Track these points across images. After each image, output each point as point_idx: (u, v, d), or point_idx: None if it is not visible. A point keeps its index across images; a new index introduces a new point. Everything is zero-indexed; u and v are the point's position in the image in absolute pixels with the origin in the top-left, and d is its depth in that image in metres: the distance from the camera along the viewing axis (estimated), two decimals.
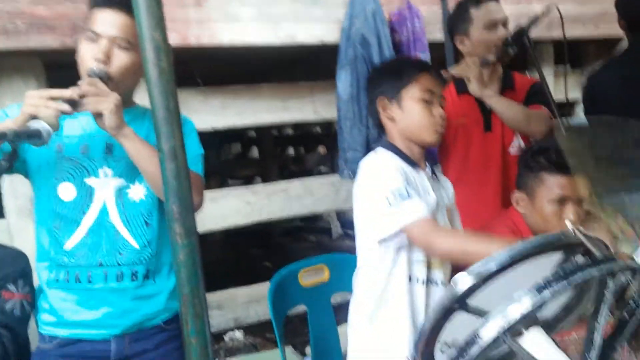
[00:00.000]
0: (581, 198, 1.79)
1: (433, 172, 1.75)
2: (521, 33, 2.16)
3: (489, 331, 0.72)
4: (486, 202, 2.28)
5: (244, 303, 3.24)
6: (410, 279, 1.65)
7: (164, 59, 1.29)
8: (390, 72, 1.71)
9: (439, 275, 1.68)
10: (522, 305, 0.71)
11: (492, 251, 1.27)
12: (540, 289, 0.71)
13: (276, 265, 2.29)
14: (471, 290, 0.79)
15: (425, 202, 1.59)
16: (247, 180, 7.33)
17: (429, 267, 1.66)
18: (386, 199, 1.53)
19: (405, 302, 1.64)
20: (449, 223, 1.75)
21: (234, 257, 5.49)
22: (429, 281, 1.67)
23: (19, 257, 1.94)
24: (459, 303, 0.80)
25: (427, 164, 1.74)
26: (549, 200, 1.80)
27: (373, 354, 1.72)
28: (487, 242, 1.41)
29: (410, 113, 1.66)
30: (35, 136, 1.24)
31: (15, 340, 1.79)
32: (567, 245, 0.83)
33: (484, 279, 0.78)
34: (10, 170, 1.25)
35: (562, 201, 1.79)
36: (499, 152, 2.32)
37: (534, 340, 0.79)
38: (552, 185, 1.80)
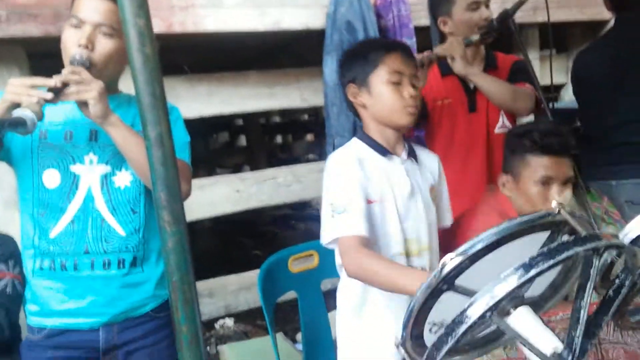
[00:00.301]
0: (566, 178, 1.81)
1: (411, 155, 1.72)
2: (506, 16, 2.16)
3: (476, 310, 0.72)
4: (471, 183, 2.29)
5: (234, 291, 3.25)
6: None
7: (148, 45, 1.28)
8: (357, 58, 1.67)
9: (419, 262, 1.67)
10: (508, 284, 0.71)
11: (402, 280, 1.34)
12: (526, 267, 0.72)
13: (265, 253, 2.29)
14: (458, 270, 0.79)
15: (380, 199, 1.60)
16: (236, 169, 7.31)
17: (407, 256, 1.65)
18: (330, 205, 1.56)
19: (386, 293, 1.63)
20: (430, 203, 1.72)
21: (223, 245, 5.49)
22: None
23: (7, 240, 1.97)
24: (447, 283, 0.81)
25: (406, 146, 1.72)
26: (533, 182, 1.81)
27: (360, 343, 1.73)
28: (402, 270, 1.42)
29: (380, 97, 1.63)
30: (19, 125, 1.23)
31: (8, 317, 1.81)
32: (552, 224, 0.83)
33: (471, 259, 0.79)
34: None
35: (546, 182, 1.80)
36: (484, 133, 2.33)
37: (521, 318, 0.80)
38: (536, 166, 1.81)
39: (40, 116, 1.33)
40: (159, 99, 1.33)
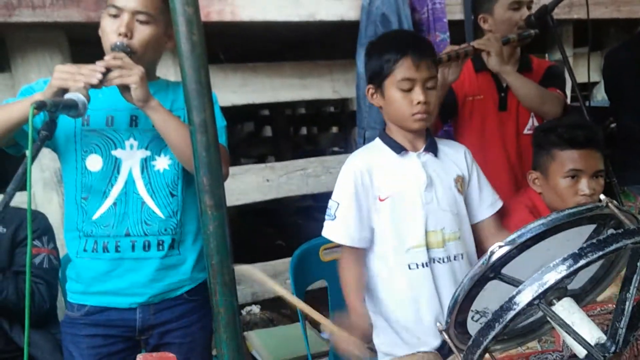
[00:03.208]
0: (595, 172, 1.80)
1: (429, 150, 1.73)
2: (545, 12, 2.16)
3: (525, 297, 0.74)
4: (501, 181, 2.29)
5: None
6: (409, 267, 1.67)
7: (196, 33, 1.31)
8: (374, 59, 1.70)
9: (442, 253, 1.68)
10: (558, 273, 0.73)
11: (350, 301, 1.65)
12: (575, 257, 0.73)
13: (288, 244, 2.32)
14: (505, 259, 0.81)
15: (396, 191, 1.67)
16: (260, 159, 7.33)
17: (428, 248, 1.67)
18: (329, 207, 1.72)
19: (404, 287, 1.68)
20: (456, 193, 1.72)
21: (246, 235, 5.54)
22: (433, 262, 1.68)
23: (39, 216, 2.04)
24: (494, 271, 0.83)
25: (427, 141, 1.73)
26: (561, 176, 1.82)
27: (385, 337, 1.76)
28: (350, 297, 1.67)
29: (391, 103, 1.66)
30: (72, 107, 1.27)
31: (49, 291, 1.88)
32: (599, 217, 0.85)
33: (519, 248, 0.80)
34: (50, 140, 1.27)
35: (575, 176, 1.80)
36: (514, 132, 2.33)
37: (566, 307, 0.81)
38: (563, 160, 1.82)
39: (89, 99, 1.37)
40: (205, 86, 1.37)
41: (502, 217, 1.88)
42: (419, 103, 1.62)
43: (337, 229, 1.70)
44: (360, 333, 1.52)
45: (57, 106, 1.23)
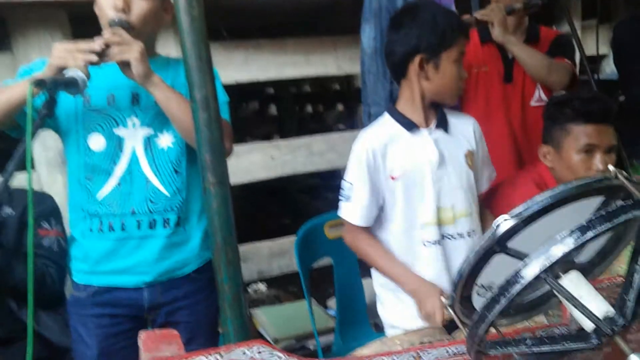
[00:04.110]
0: (609, 147, 1.78)
1: (440, 126, 1.71)
2: None
3: (531, 271, 0.73)
4: (504, 153, 2.28)
5: (267, 256, 3.29)
6: (423, 244, 1.67)
7: (195, 7, 1.29)
8: (429, 29, 1.61)
9: (453, 230, 1.68)
10: (565, 245, 0.71)
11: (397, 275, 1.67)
12: (583, 229, 0.71)
13: (294, 222, 2.31)
14: (512, 232, 0.80)
15: (403, 170, 1.66)
16: (266, 138, 7.30)
17: (439, 224, 1.67)
18: (342, 188, 1.72)
19: (417, 266, 1.68)
20: (467, 169, 1.71)
21: (252, 212, 5.54)
22: (444, 238, 1.68)
23: (46, 198, 2.03)
24: (500, 245, 0.81)
25: (438, 116, 1.72)
26: (576, 151, 1.79)
27: (391, 308, 1.77)
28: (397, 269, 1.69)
29: (446, 75, 1.63)
30: (71, 84, 1.25)
31: (58, 272, 1.88)
32: (608, 189, 0.83)
33: (526, 221, 0.79)
34: (50, 118, 1.26)
35: (589, 150, 1.78)
36: (519, 104, 2.31)
37: (574, 281, 0.80)
38: (578, 134, 1.79)
39: (89, 76, 1.35)
40: (205, 61, 1.35)
41: (507, 189, 1.86)
42: (462, 79, 1.67)
43: (354, 210, 1.69)
44: (435, 291, 1.61)
45: (56, 84, 1.22)
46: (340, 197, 1.73)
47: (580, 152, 1.78)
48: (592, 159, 1.78)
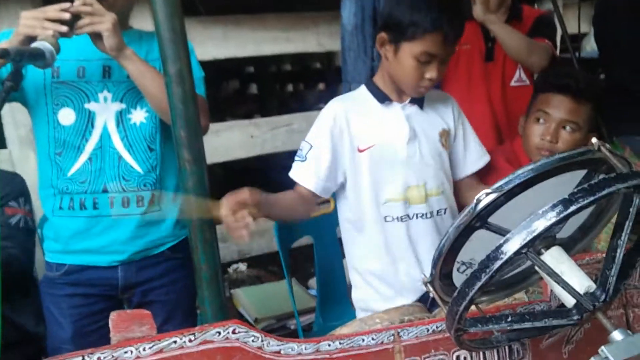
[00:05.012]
0: (563, 120, 1.77)
1: (414, 102, 1.65)
2: None
3: (512, 246, 0.71)
4: (484, 132, 2.26)
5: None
6: (385, 219, 1.63)
7: None
8: (402, 14, 1.52)
9: (422, 209, 1.63)
10: (547, 220, 0.69)
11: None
12: (565, 203, 0.69)
13: None
14: (493, 207, 0.78)
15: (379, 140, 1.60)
16: (247, 117, 7.22)
17: (407, 203, 1.62)
18: (301, 147, 1.63)
19: (380, 240, 1.64)
20: (440, 148, 1.67)
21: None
22: (414, 217, 1.64)
23: (16, 177, 1.98)
24: (480, 220, 0.79)
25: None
26: (533, 118, 1.81)
27: (361, 293, 1.74)
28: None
29: (401, 65, 1.55)
30: (38, 56, 1.20)
31: (22, 250, 1.83)
32: (590, 162, 0.81)
33: (507, 195, 0.77)
34: (16, 91, 1.21)
35: (541, 119, 1.80)
36: (499, 83, 2.29)
37: (555, 256, 0.79)
38: (537, 101, 1.81)
39: (58, 49, 1.30)
40: (179, 33, 1.30)
41: (486, 170, 1.85)
42: (429, 79, 1.54)
43: (305, 171, 1.60)
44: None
45: (21, 55, 1.16)
46: (295, 158, 1.63)
47: (535, 118, 1.81)
48: (543, 127, 1.79)
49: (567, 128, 1.77)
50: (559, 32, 2.31)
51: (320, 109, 1.68)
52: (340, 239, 2.13)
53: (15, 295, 1.84)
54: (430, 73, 1.53)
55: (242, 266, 3.44)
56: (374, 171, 1.61)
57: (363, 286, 1.71)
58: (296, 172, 1.62)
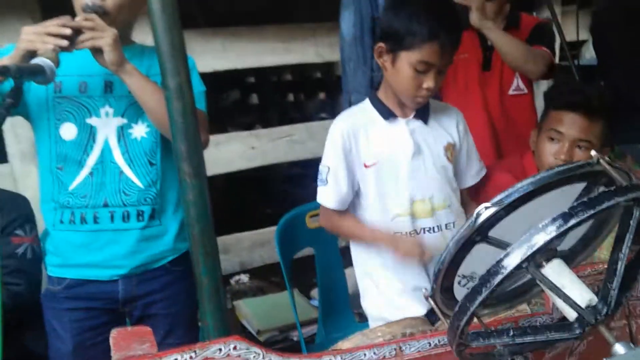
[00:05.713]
0: (578, 139, 1.75)
1: (419, 116, 1.66)
2: None
3: (513, 260, 0.70)
4: (483, 141, 2.26)
5: (249, 247, 3.26)
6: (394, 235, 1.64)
7: None
8: (400, 24, 1.54)
9: (429, 223, 1.65)
10: (547, 234, 0.69)
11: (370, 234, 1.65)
12: (566, 216, 0.69)
13: (276, 212, 2.28)
14: (493, 220, 0.77)
15: (376, 159, 1.63)
16: (248, 128, 7.23)
17: (413, 217, 1.63)
18: (320, 172, 1.68)
19: (392, 257, 1.64)
20: (445, 161, 1.68)
21: (234, 203, 5.49)
22: (422, 231, 1.65)
23: (21, 201, 1.94)
24: (481, 234, 0.79)
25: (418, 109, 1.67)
26: (547, 136, 1.79)
27: (373, 300, 1.74)
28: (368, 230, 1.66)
29: (399, 75, 1.56)
30: (38, 73, 1.20)
31: (29, 283, 1.81)
32: (590, 175, 0.81)
33: (507, 209, 0.77)
34: (16, 107, 1.21)
35: (555, 138, 1.77)
36: (497, 92, 2.29)
37: (556, 270, 0.78)
38: (550, 119, 1.78)
39: (58, 64, 1.30)
40: (178, 48, 1.30)
41: (482, 179, 1.84)
42: (427, 89, 1.55)
43: (330, 194, 1.66)
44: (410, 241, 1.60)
45: (21, 72, 1.16)
46: (318, 182, 1.69)
47: (549, 137, 1.78)
48: (557, 145, 1.77)
49: (581, 147, 1.75)
50: (558, 40, 2.31)
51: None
52: (342, 250, 2.13)
53: (18, 322, 1.82)
54: (428, 82, 1.54)
55: (244, 277, 3.43)
56: (380, 187, 1.64)
57: (377, 295, 1.72)
58: (322, 197, 1.69)
